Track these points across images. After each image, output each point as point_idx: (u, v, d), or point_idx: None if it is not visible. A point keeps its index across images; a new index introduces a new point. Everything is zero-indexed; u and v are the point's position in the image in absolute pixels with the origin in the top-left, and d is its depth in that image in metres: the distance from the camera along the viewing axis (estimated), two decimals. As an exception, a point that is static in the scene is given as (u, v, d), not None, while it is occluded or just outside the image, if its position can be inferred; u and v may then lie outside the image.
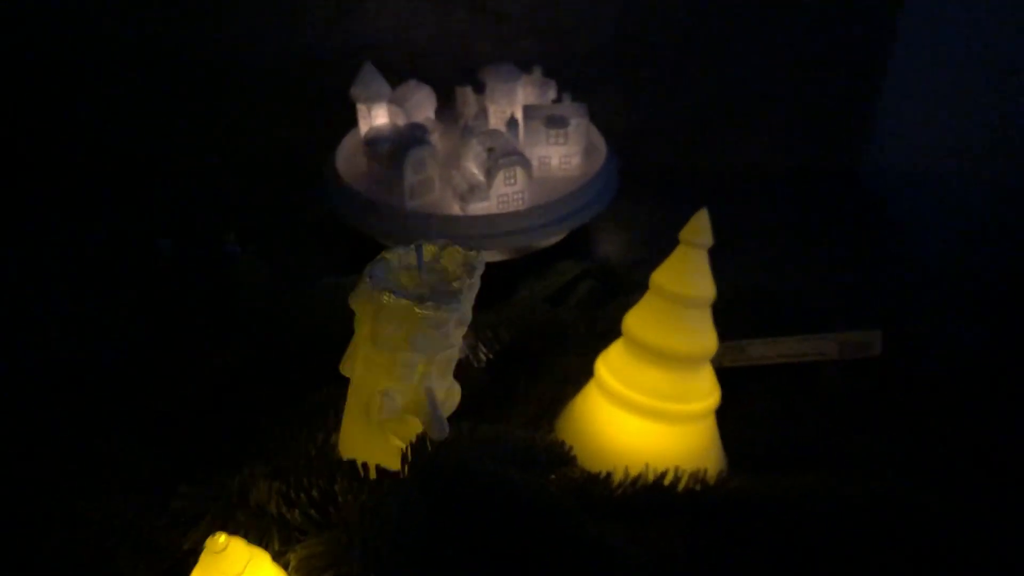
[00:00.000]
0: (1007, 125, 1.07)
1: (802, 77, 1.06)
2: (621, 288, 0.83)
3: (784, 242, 0.99)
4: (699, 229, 0.58)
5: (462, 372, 0.63)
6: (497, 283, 0.83)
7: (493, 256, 0.84)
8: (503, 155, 0.79)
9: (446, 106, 0.95)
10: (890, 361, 0.73)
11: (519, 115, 0.88)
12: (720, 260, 0.92)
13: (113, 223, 0.95)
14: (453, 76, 0.99)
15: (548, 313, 0.78)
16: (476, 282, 0.56)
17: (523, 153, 0.81)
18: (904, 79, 1.07)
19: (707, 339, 0.60)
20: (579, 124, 0.85)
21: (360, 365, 0.57)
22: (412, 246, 0.57)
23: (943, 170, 1.09)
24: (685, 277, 0.59)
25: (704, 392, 0.61)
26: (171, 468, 0.57)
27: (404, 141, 0.81)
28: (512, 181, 0.80)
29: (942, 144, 1.09)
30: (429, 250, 0.58)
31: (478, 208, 0.81)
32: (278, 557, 0.51)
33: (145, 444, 0.58)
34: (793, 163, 1.09)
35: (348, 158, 0.88)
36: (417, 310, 0.53)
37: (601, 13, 1.01)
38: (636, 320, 0.61)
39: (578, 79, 1.04)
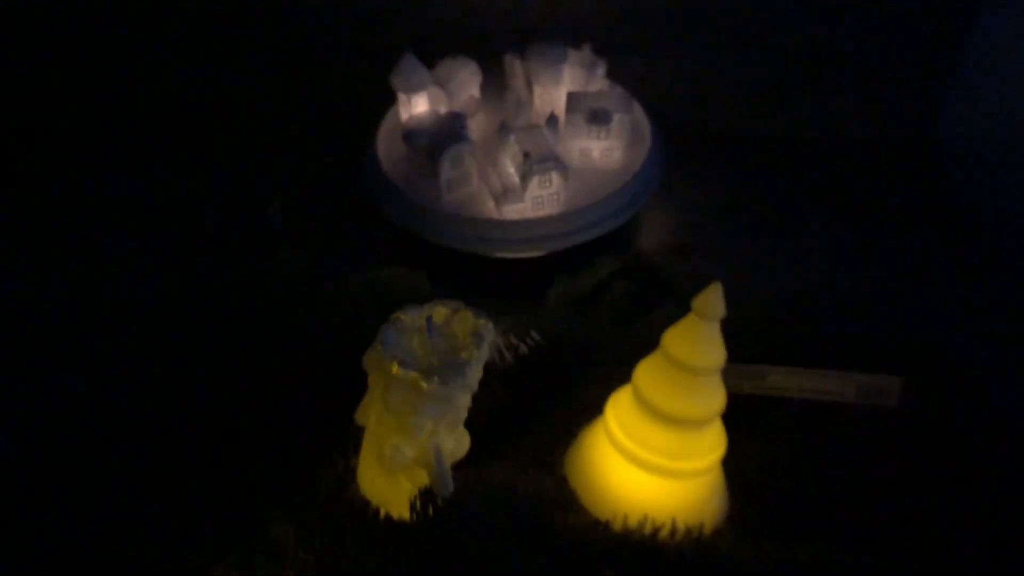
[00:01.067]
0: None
1: (876, 37, 0.99)
2: (659, 292, 0.84)
3: (843, 227, 0.96)
4: (712, 304, 0.58)
5: (483, 385, 0.66)
6: (530, 278, 0.85)
7: (528, 253, 0.84)
8: (539, 160, 0.78)
9: (494, 75, 0.93)
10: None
11: (563, 96, 0.86)
12: (775, 244, 0.91)
13: (163, 180, 0.98)
14: (505, 35, 0.97)
15: (576, 324, 0.79)
16: (485, 352, 0.58)
17: (559, 157, 0.80)
18: (990, 42, 0.99)
19: (715, 402, 0.61)
20: (622, 119, 0.83)
21: (374, 417, 0.60)
22: (424, 310, 0.59)
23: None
24: (696, 348, 0.59)
25: (708, 449, 0.62)
26: (200, 495, 0.62)
27: (442, 136, 0.81)
28: (547, 184, 0.79)
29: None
30: (440, 313, 0.59)
31: (512, 211, 0.80)
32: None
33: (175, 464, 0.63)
34: (862, 134, 1.04)
35: (388, 141, 0.88)
36: (424, 385, 0.55)
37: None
38: (646, 378, 0.62)
39: (634, 40, 1.00)
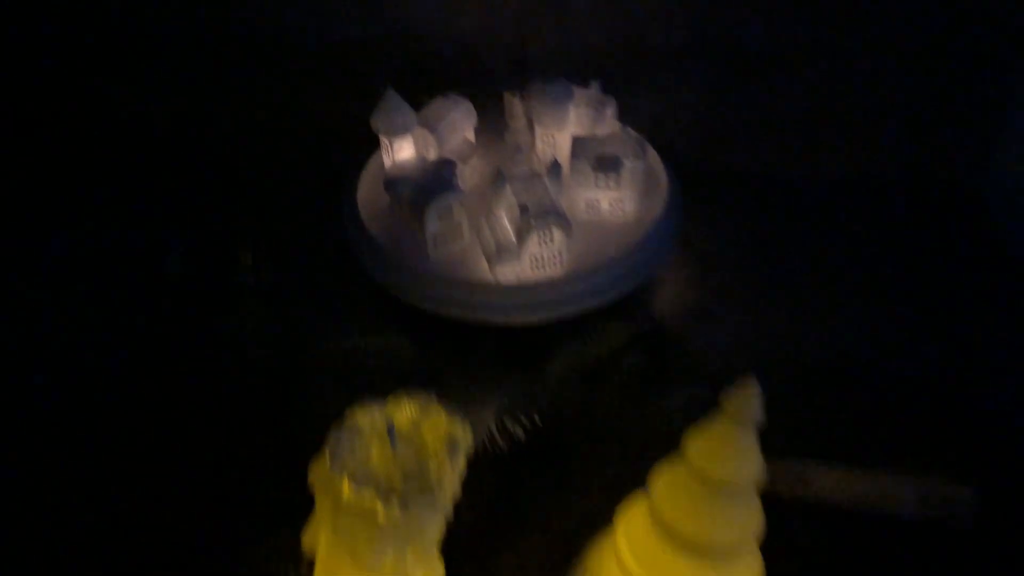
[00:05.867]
0: None
1: (920, 76, 0.88)
2: (678, 366, 0.73)
3: (881, 280, 0.84)
4: (747, 404, 0.46)
5: (470, 474, 0.54)
6: (528, 349, 0.73)
7: (525, 320, 0.72)
8: (538, 214, 0.67)
9: (491, 115, 0.82)
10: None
11: (568, 140, 0.75)
12: (805, 301, 0.80)
13: (126, 220, 0.91)
14: (503, 73, 0.87)
15: (582, 401, 0.68)
16: (460, 465, 0.46)
17: (562, 211, 0.69)
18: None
19: (751, 524, 0.49)
20: (634, 166, 0.72)
21: (323, 544, 0.48)
22: (386, 409, 0.47)
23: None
24: (728, 460, 0.47)
25: (743, 581, 0.50)
26: None
27: (428, 185, 0.70)
28: (548, 241, 0.68)
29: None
30: (405, 413, 0.48)
31: (507, 272, 0.69)
32: None
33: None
34: (902, 177, 0.93)
35: (370, 189, 0.77)
36: (381, 510, 0.44)
37: (679, 5, 0.85)
38: (665, 492, 0.50)
39: (650, 80, 0.89)
